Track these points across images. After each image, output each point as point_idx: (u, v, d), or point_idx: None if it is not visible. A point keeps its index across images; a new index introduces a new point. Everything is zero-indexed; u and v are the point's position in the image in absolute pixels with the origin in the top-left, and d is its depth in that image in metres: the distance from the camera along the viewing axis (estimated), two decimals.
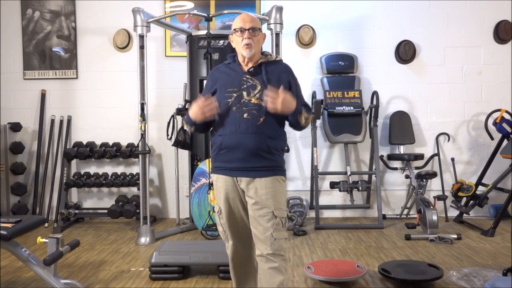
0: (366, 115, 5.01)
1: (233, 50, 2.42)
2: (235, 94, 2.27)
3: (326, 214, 5.23)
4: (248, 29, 2.27)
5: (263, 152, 2.22)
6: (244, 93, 2.27)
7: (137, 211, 4.70)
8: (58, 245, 2.77)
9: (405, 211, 5.04)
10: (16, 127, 5.13)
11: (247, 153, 2.21)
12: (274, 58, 2.38)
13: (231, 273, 2.43)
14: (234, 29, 2.32)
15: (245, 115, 2.23)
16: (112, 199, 5.20)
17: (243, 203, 2.28)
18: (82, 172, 5.14)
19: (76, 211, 4.94)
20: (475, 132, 5.22)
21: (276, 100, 2.13)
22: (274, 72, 2.32)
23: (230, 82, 2.30)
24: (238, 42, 2.30)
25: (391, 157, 4.99)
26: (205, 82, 4.62)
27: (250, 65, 2.33)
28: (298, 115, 2.26)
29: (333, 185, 4.89)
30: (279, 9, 4.38)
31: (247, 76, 2.31)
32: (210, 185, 4.40)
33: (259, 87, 2.27)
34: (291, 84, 2.34)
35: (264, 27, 4.37)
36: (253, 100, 2.25)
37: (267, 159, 2.24)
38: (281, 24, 4.39)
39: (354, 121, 4.93)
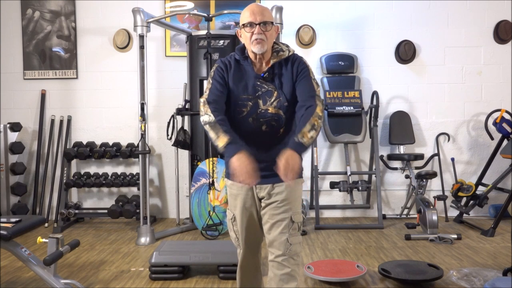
0: (366, 115, 5.01)
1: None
2: (250, 103, 2.09)
3: (326, 214, 5.23)
4: (259, 24, 2.04)
5: None
6: (260, 102, 2.08)
7: (137, 211, 4.70)
8: (58, 245, 2.77)
9: (405, 211, 5.04)
10: (16, 127, 5.13)
11: (267, 163, 2.06)
12: (287, 55, 2.13)
13: (237, 277, 2.39)
14: (243, 24, 2.07)
15: (263, 127, 2.08)
16: (112, 199, 5.20)
17: (257, 210, 2.20)
18: (82, 172, 5.14)
19: (76, 211, 4.95)
20: (475, 132, 5.22)
21: (288, 172, 1.88)
22: (287, 72, 2.11)
23: (244, 87, 2.10)
24: (247, 38, 2.06)
25: (391, 157, 4.99)
26: (205, 82, 4.67)
27: (263, 65, 2.12)
28: (305, 147, 1.97)
29: (333, 185, 4.89)
30: (279, 9, 4.37)
31: (261, 80, 2.10)
32: (210, 185, 4.41)
33: (275, 94, 2.08)
34: (297, 76, 2.11)
35: None
36: (271, 110, 2.08)
37: None
38: (281, 24, 4.39)
39: (354, 121, 4.93)
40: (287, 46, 2.19)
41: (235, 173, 1.90)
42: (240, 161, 1.88)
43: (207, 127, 2.01)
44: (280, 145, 2.06)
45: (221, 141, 1.94)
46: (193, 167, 4.77)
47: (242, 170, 1.87)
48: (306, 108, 2.05)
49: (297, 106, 2.10)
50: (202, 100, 2.08)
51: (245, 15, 2.08)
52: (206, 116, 2.02)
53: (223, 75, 2.12)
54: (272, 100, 2.10)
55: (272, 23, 2.09)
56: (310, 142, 1.97)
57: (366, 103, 5.06)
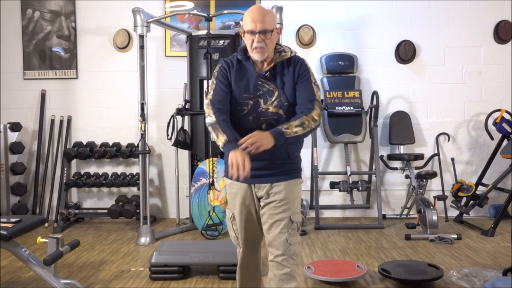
0: (366, 115, 5.01)
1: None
2: (251, 102, 2.11)
3: (326, 214, 5.23)
4: (259, 32, 2.06)
5: (283, 160, 2.14)
6: (261, 101, 2.10)
7: (137, 211, 4.70)
8: (58, 245, 2.77)
9: (405, 211, 5.04)
10: (16, 127, 5.13)
11: (266, 162, 2.08)
12: (289, 55, 2.17)
13: (237, 276, 2.39)
14: (244, 30, 2.11)
15: (263, 126, 2.09)
16: (112, 199, 5.20)
17: (256, 209, 2.21)
18: (82, 172, 5.14)
19: (76, 211, 4.95)
20: (475, 132, 5.22)
21: (250, 146, 1.92)
22: (288, 73, 2.14)
23: (245, 86, 2.13)
24: (248, 44, 2.11)
25: (391, 157, 4.99)
26: (205, 82, 4.67)
27: (265, 65, 2.15)
28: (284, 138, 1.98)
29: (333, 185, 4.89)
30: (279, 9, 4.38)
31: (262, 79, 2.13)
32: (210, 185, 4.41)
33: (276, 93, 2.11)
34: (298, 78, 2.14)
35: None
36: (271, 109, 2.10)
37: (286, 163, 2.15)
38: (281, 24, 4.39)
39: (354, 121, 4.93)
40: (289, 48, 2.22)
41: (229, 166, 1.91)
42: (235, 156, 1.90)
43: (209, 129, 2.07)
44: (280, 145, 2.05)
45: (220, 140, 2.00)
46: (193, 167, 4.77)
47: (236, 164, 1.89)
48: (303, 109, 2.09)
49: (296, 108, 2.13)
50: (206, 101, 2.13)
51: (247, 21, 2.10)
52: (209, 117, 2.07)
53: (226, 74, 2.16)
54: (273, 99, 2.11)
55: (272, 31, 2.09)
56: (292, 136, 2.00)
57: (366, 103, 5.06)
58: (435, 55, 5.20)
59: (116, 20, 5.20)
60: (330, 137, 4.93)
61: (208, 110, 2.09)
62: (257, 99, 2.12)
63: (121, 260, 3.74)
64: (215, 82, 2.16)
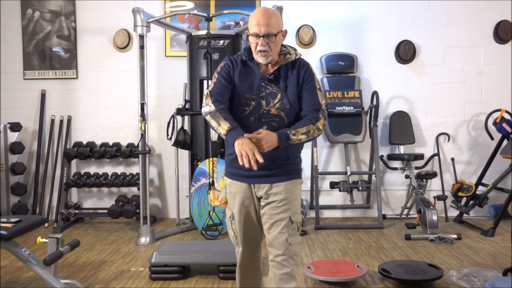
0: (366, 115, 5.01)
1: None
2: (253, 103, 2.11)
3: (326, 214, 5.23)
4: (263, 36, 2.05)
5: (282, 160, 2.14)
6: (263, 102, 2.11)
7: (137, 211, 4.70)
8: (58, 245, 2.77)
9: (405, 211, 5.04)
10: (16, 127, 5.13)
11: (266, 163, 2.02)
12: (294, 58, 2.17)
13: (237, 276, 2.39)
14: (249, 32, 2.10)
15: (264, 128, 2.08)
16: (112, 199, 5.20)
17: (255, 209, 2.21)
18: (82, 172, 5.14)
19: (76, 211, 4.95)
20: (475, 132, 5.22)
21: (260, 143, 1.94)
22: (292, 76, 2.14)
23: (249, 87, 2.13)
24: (253, 46, 2.11)
25: (391, 157, 4.99)
26: (205, 82, 4.67)
27: (269, 67, 2.16)
28: (288, 143, 2.01)
29: (333, 185, 4.89)
30: (279, 9, 4.37)
31: (266, 81, 2.13)
32: (210, 185, 4.41)
33: (279, 96, 2.11)
34: (302, 84, 2.15)
35: None
36: (273, 111, 2.10)
37: (286, 164, 2.15)
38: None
39: (354, 121, 4.93)
40: (295, 49, 2.21)
41: (238, 156, 1.89)
42: (242, 144, 1.89)
43: (208, 117, 2.04)
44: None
45: (222, 128, 1.97)
46: (193, 167, 4.77)
47: (245, 152, 1.87)
48: (310, 117, 2.11)
49: (301, 113, 2.14)
50: (206, 92, 2.12)
51: (252, 23, 2.09)
52: (207, 107, 2.05)
53: (229, 71, 2.16)
54: (275, 101, 2.12)
55: (276, 34, 2.08)
56: (295, 143, 2.04)
57: (366, 103, 5.06)
58: (435, 55, 5.20)
59: (116, 20, 5.20)
60: (330, 137, 4.93)
61: (206, 100, 2.07)
62: (259, 100, 2.12)
63: (121, 260, 3.74)
64: (216, 76, 2.17)
